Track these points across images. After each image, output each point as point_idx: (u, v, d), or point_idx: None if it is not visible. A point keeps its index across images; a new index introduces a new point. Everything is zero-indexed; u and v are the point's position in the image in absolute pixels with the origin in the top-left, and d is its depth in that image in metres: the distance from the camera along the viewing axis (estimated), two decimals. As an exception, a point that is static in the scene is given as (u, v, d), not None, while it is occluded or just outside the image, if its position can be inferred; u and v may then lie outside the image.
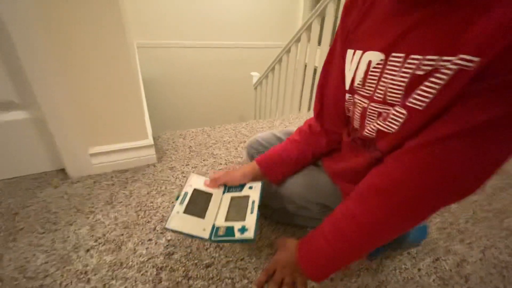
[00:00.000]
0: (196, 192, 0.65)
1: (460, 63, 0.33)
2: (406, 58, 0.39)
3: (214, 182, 0.67)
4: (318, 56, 1.68)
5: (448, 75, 0.34)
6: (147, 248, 0.67)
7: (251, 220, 0.57)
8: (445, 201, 0.41)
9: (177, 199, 0.62)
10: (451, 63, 0.34)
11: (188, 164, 1.03)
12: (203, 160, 1.06)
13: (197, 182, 0.67)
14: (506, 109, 0.33)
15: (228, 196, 0.66)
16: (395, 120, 0.42)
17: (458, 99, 0.35)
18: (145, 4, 2.52)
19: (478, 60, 0.32)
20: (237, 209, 0.61)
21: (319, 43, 1.66)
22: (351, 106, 0.53)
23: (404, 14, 0.40)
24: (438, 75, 0.35)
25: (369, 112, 0.48)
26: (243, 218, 0.58)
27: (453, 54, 0.34)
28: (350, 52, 0.50)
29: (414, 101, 0.38)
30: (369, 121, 0.48)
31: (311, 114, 0.72)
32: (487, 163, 0.37)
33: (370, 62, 0.45)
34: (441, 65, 0.35)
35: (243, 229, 0.56)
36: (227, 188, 0.68)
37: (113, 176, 0.94)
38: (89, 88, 0.82)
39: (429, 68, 0.36)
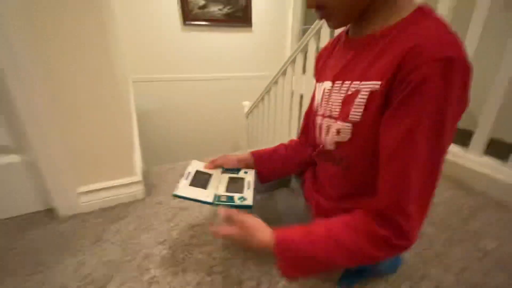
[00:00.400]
0: (198, 171, 0.74)
1: (370, 86, 0.47)
2: (342, 83, 0.55)
3: (212, 162, 0.76)
4: (304, 83, 1.79)
5: (366, 95, 0.48)
6: (130, 287, 0.69)
7: (248, 193, 0.67)
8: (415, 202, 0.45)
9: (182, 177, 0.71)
10: (366, 86, 0.48)
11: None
12: (191, 193, 1.09)
13: (198, 165, 0.76)
14: (408, 123, 0.42)
15: (226, 175, 0.74)
16: (346, 132, 0.53)
17: (380, 119, 0.46)
18: (140, 42, 2.68)
19: (380, 84, 0.45)
20: (235, 185, 0.70)
21: (304, 71, 1.78)
22: (316, 125, 0.66)
23: (345, 54, 0.58)
24: (361, 95, 0.49)
25: (323, 126, 0.61)
26: (241, 191, 0.67)
27: (367, 79, 0.48)
28: (317, 84, 0.68)
29: (353, 115, 0.51)
30: (324, 134, 0.61)
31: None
32: (424, 172, 0.43)
33: (325, 88, 0.62)
34: (361, 88, 0.49)
35: (242, 198, 0.65)
36: (225, 170, 0.77)
37: (101, 213, 0.97)
38: (81, 129, 0.89)
39: (354, 89, 0.51)
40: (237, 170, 0.76)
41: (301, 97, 1.90)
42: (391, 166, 0.45)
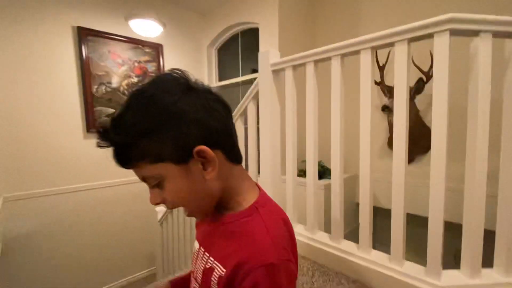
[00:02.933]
0: None
1: (220, 270, 0.53)
2: (204, 252, 0.60)
3: None
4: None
5: (217, 276, 0.53)
6: None
7: None
8: None
9: None
10: (217, 267, 0.54)
11: None
12: None
13: None
14: None
15: None
16: None
17: None
18: (31, 153, 2.31)
19: (225, 272, 0.51)
20: None
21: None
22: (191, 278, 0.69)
23: (209, 223, 0.64)
24: (214, 273, 0.54)
25: (191, 286, 0.65)
26: None
27: (219, 261, 0.54)
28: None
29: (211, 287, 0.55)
30: None
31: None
32: None
33: (195, 247, 0.67)
34: (215, 266, 0.54)
35: None
36: None
37: None
38: None
39: (210, 266, 0.56)
40: None
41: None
42: None
